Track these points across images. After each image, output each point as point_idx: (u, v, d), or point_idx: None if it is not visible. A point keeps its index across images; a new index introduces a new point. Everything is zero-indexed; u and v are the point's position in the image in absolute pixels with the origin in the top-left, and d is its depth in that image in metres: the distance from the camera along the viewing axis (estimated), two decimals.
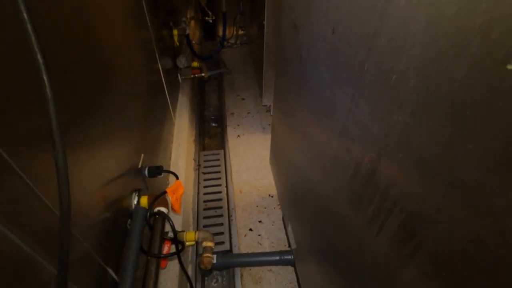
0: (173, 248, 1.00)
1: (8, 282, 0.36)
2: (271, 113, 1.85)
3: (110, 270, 0.65)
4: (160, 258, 0.77)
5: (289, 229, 1.14)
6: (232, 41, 2.84)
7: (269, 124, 1.93)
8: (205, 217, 1.40)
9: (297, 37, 0.78)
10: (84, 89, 0.59)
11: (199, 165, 1.67)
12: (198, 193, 1.51)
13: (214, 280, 1.22)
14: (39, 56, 0.32)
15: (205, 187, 1.54)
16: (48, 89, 0.33)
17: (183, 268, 0.86)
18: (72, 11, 0.57)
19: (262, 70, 1.95)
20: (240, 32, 2.89)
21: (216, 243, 1.32)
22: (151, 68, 1.25)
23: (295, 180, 0.99)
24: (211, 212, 1.42)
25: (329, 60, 0.55)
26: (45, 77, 0.33)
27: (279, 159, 1.23)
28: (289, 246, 1.23)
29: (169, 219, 0.82)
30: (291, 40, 0.84)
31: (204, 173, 1.62)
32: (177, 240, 0.82)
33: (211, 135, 2.06)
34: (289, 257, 1.16)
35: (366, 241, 0.46)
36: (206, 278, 1.22)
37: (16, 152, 0.37)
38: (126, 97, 0.87)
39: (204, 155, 1.74)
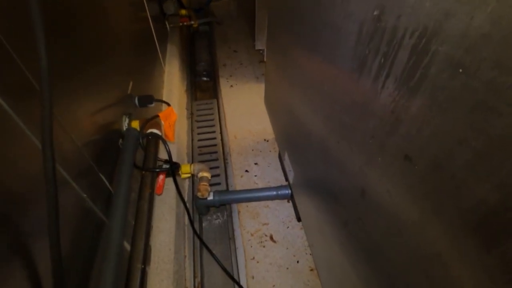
0: (168, 182, 0.99)
1: None
2: (265, 56, 1.79)
3: (104, 180, 0.64)
4: (156, 172, 0.75)
5: (286, 162, 1.14)
6: None
7: (262, 74, 1.88)
8: (200, 161, 1.38)
9: None
10: (79, 29, 0.59)
11: (192, 114, 1.63)
12: (192, 140, 1.49)
13: (212, 218, 1.23)
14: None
15: (199, 134, 1.52)
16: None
17: (178, 190, 0.85)
18: None
19: (253, 22, 1.87)
20: None
21: (213, 184, 1.32)
22: (136, 10, 1.17)
23: (290, 113, 0.97)
24: (207, 157, 1.41)
25: None
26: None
27: (274, 96, 1.20)
28: (286, 180, 1.23)
29: (163, 140, 0.79)
30: None
31: (198, 121, 1.59)
32: (171, 159, 0.79)
33: (203, 89, 2.00)
34: (286, 191, 1.16)
35: (363, 156, 0.45)
36: (204, 217, 1.23)
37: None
38: (117, 36, 0.84)
39: (197, 105, 1.69)
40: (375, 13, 0.39)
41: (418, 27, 0.31)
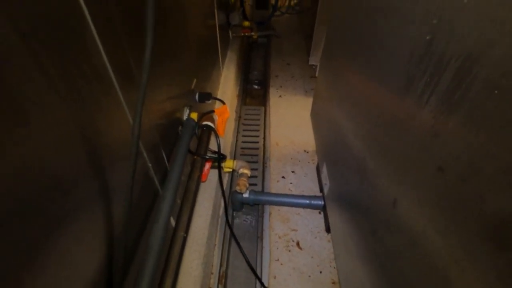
0: (211, 174, 1.08)
1: None
2: (317, 71, 1.85)
3: (164, 157, 0.74)
4: (205, 159, 0.84)
5: (323, 174, 1.17)
6: (283, 9, 2.83)
7: (311, 89, 1.93)
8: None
9: None
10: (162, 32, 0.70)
11: (240, 117, 1.74)
12: (237, 141, 1.58)
13: (244, 217, 1.30)
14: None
15: (243, 136, 1.61)
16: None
17: (220, 180, 0.93)
18: None
19: (311, 37, 1.95)
20: (292, 2, 2.87)
21: (250, 184, 1.39)
22: (207, 17, 1.32)
23: (333, 127, 1.01)
24: (247, 158, 1.49)
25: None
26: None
27: (321, 111, 1.25)
28: (321, 191, 1.25)
29: (215, 132, 0.89)
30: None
31: (244, 124, 1.69)
32: (219, 150, 0.88)
33: (253, 96, 2.11)
34: (319, 202, 1.19)
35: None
36: (237, 213, 1.30)
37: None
38: (190, 37, 0.98)
39: (246, 109, 1.80)
40: (428, 37, 0.43)
41: (463, 52, 0.35)
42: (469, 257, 0.33)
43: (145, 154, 0.60)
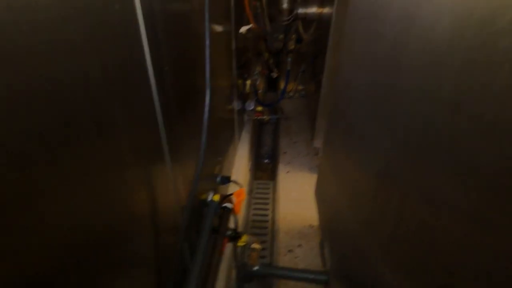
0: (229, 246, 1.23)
1: None
2: (319, 154, 2.08)
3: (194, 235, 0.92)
4: (224, 237, 1.02)
5: (326, 250, 1.30)
6: (291, 93, 3.26)
7: (316, 166, 2.16)
8: (251, 234, 1.61)
9: (346, 92, 1.06)
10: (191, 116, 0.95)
11: (251, 191, 1.93)
12: (248, 213, 1.75)
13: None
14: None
15: (254, 209, 1.78)
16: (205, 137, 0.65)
17: (235, 254, 1.08)
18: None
19: (315, 120, 2.25)
20: (299, 87, 3.31)
21: (259, 257, 1.51)
22: (229, 106, 1.63)
23: (334, 209, 1.19)
24: (257, 230, 1.64)
25: (370, 105, 0.81)
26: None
27: (323, 191, 1.44)
28: (324, 267, 1.36)
29: (233, 214, 1.08)
30: (342, 94, 1.13)
31: (255, 198, 1.87)
32: (236, 228, 1.06)
33: (263, 169, 2.35)
34: (322, 277, 1.29)
35: None
36: (245, 284, 1.39)
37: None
38: (214, 125, 1.24)
39: (257, 183, 2.00)
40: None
41: None
42: None
43: (181, 232, 0.79)
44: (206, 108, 0.63)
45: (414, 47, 0.54)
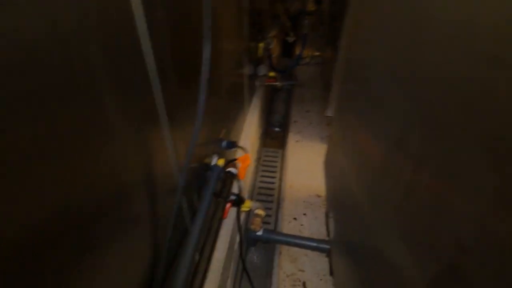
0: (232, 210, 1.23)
1: None
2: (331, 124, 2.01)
3: (195, 198, 0.91)
4: (227, 201, 1.00)
5: (330, 220, 1.28)
6: (307, 60, 3.10)
7: (327, 136, 2.09)
8: (257, 200, 1.61)
9: (364, 51, 0.97)
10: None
11: (259, 158, 1.91)
12: (255, 180, 1.74)
13: (257, 254, 1.42)
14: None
15: (261, 176, 1.77)
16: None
17: (238, 219, 1.08)
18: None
19: (329, 88, 2.14)
20: (316, 53, 3.14)
21: (263, 223, 1.52)
22: (239, 70, 1.55)
23: (342, 181, 1.15)
24: (263, 197, 1.63)
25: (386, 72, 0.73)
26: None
27: (332, 161, 1.39)
28: (327, 236, 1.36)
29: (237, 179, 1.05)
30: (358, 55, 1.03)
31: (262, 165, 1.85)
32: (239, 193, 1.04)
33: (273, 137, 2.30)
34: (325, 246, 1.29)
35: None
36: (250, 249, 1.42)
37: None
38: (222, 89, 1.18)
39: (265, 151, 1.97)
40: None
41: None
42: None
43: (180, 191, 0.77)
44: (206, 62, 0.57)
45: None
